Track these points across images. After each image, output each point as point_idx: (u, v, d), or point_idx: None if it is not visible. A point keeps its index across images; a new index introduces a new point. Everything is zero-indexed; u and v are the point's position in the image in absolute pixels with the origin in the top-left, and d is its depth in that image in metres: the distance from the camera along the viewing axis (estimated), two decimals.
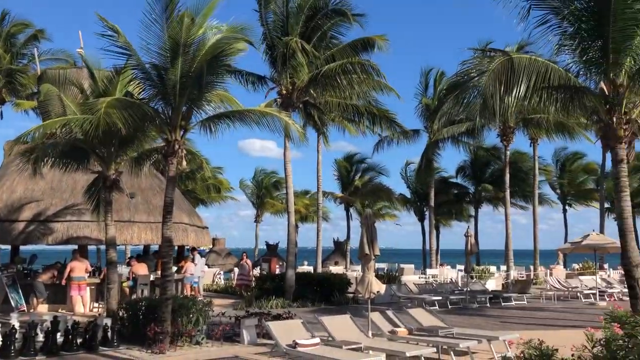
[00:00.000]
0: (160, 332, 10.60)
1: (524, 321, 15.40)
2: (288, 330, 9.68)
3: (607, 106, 12.00)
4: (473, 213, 41.44)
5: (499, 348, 9.90)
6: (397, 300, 19.24)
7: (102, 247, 18.07)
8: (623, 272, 14.07)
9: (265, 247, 43.03)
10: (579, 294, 21.45)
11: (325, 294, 19.43)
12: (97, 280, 17.36)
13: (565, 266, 34.47)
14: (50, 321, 10.65)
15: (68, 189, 18.30)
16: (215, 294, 23.14)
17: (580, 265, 32.06)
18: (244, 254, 23.62)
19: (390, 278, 25.47)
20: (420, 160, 33.95)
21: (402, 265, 33.16)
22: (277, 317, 12.45)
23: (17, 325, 10.46)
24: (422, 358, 8.99)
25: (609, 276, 26.05)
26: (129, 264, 19.26)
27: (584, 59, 12.26)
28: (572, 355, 6.25)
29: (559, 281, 23.52)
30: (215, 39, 11.05)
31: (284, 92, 20.25)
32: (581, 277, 24.50)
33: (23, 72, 28.78)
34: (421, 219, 41.80)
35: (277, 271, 26.19)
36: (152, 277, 17.70)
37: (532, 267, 32.32)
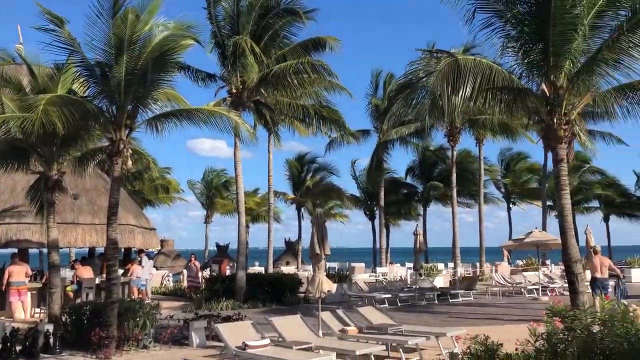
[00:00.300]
0: (106, 337, 10.30)
1: (470, 317, 15.77)
2: (238, 332, 9.57)
3: (548, 107, 12.40)
4: (422, 212, 42.25)
5: (447, 344, 10.10)
6: (348, 299, 19.38)
7: (45, 250, 17.41)
8: (564, 268, 14.59)
9: (215, 248, 42.65)
10: (522, 290, 22.14)
11: (276, 294, 19.35)
12: (38, 285, 16.69)
13: (510, 263, 35.51)
14: None
15: (7, 190, 17.58)
16: (164, 296, 22.69)
17: (524, 262, 33.08)
18: (192, 255, 23.26)
19: (341, 277, 25.61)
20: (371, 160, 34.34)
21: (353, 264, 33.45)
22: (227, 319, 12.30)
23: None
24: (372, 356, 9.06)
25: (551, 272, 26.97)
26: (73, 267, 18.61)
27: (526, 61, 12.63)
28: (516, 349, 6.40)
29: (503, 277, 24.22)
30: (162, 37, 10.82)
31: (234, 91, 20.04)
32: (525, 273, 25.31)
33: None
34: (371, 218, 42.26)
35: (228, 272, 25.95)
36: (97, 281, 17.18)
37: (478, 264, 33.19)
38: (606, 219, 44.91)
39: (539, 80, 12.69)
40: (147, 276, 19.99)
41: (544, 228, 30.34)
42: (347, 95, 23.49)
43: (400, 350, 9.52)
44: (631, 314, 5.97)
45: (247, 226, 38.29)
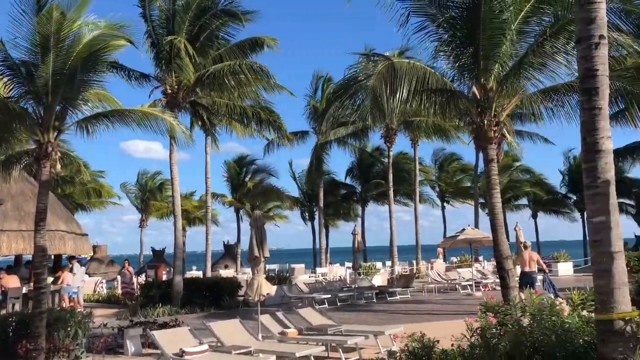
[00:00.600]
0: (34, 349, 9.81)
1: (408, 314, 16.09)
2: (175, 339, 9.35)
3: (479, 109, 12.82)
4: (360, 212, 42.80)
5: (385, 342, 10.25)
6: (288, 300, 19.34)
7: None
8: (495, 264, 15.12)
9: (151, 253, 41.56)
10: (457, 286, 22.80)
11: (215, 298, 19.08)
12: None
13: (445, 260, 36.50)
14: None
15: None
16: (98, 304, 21.92)
17: (458, 259, 34.06)
18: (126, 261, 22.56)
19: (281, 279, 25.54)
20: (310, 161, 34.49)
21: (293, 266, 33.43)
22: (164, 325, 11.99)
23: None
24: (312, 357, 9.08)
25: (483, 268, 27.91)
26: None
27: (457, 64, 13.03)
28: (452, 345, 6.57)
29: (439, 274, 24.85)
30: (92, 36, 10.42)
31: (169, 91, 19.60)
32: (459, 270, 26.08)
33: None
34: (311, 219, 42.41)
35: (164, 277, 25.36)
36: (24, 290, 16.35)
37: (415, 262, 33.92)
38: (534, 216, 47.03)
39: (470, 83, 13.10)
40: (79, 284, 19.22)
41: (476, 225, 31.35)
42: (290, 95, 23.53)
43: (340, 350, 9.59)
44: (558, 307, 6.27)
45: (184, 230, 37.60)
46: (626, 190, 42.93)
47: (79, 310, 12.74)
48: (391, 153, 32.07)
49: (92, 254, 31.18)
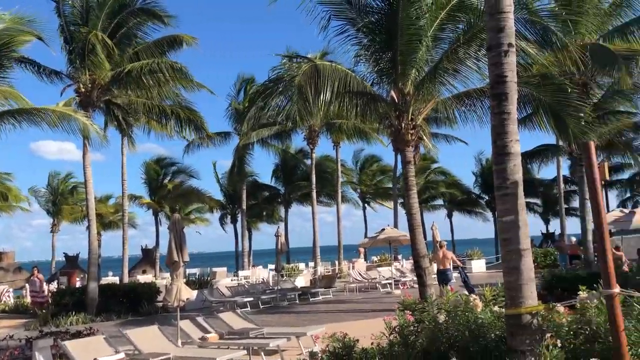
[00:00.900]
0: None
1: (330, 314, 16.23)
2: (88, 348, 8.92)
3: (397, 113, 13.17)
4: (284, 214, 42.76)
5: (307, 343, 10.26)
6: (209, 305, 19.00)
7: None
8: (413, 262, 15.57)
9: (64, 258, 39.52)
10: (377, 284, 23.27)
11: (132, 305, 18.44)
12: None
13: (366, 259, 37.18)
14: None
15: None
16: (4, 314, 20.64)
17: (379, 258, 34.77)
18: (35, 267, 21.33)
19: (202, 283, 25.06)
20: (232, 162, 34.06)
21: (214, 269, 32.88)
22: (77, 335, 11.41)
23: None
24: None
25: (402, 266, 28.66)
26: None
27: (377, 68, 13.32)
28: (372, 343, 6.68)
29: (360, 274, 25.27)
30: None
31: (83, 89, 18.73)
32: (379, 269, 26.62)
33: None
34: (233, 221, 41.90)
35: (78, 284, 24.27)
36: None
37: (337, 262, 34.31)
38: (450, 215, 48.92)
39: (388, 87, 13.42)
40: None
41: (395, 225, 32.14)
42: (211, 94, 23.12)
43: (262, 353, 9.52)
44: (471, 303, 6.52)
45: (99, 234, 36.01)
46: (534, 190, 45.60)
47: None
48: (314, 155, 32.30)
49: None
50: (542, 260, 28.86)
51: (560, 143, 16.87)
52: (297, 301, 20.35)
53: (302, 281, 26.23)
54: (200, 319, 11.23)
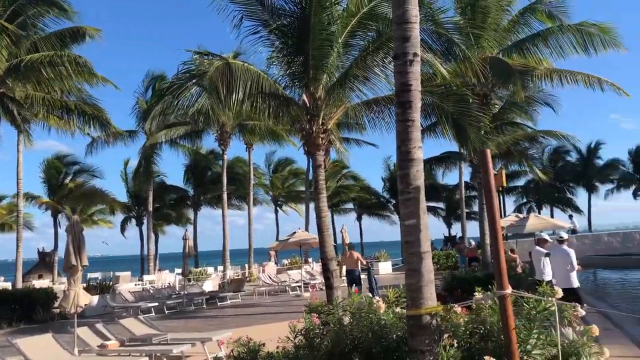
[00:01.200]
0: None
1: (238, 319, 16.05)
2: None
3: (308, 116, 13.24)
4: (193, 216, 41.83)
5: (213, 349, 10.07)
6: (111, 310, 18.24)
7: None
8: (321, 265, 15.73)
9: None
10: (287, 288, 23.32)
11: (26, 312, 17.31)
12: None
13: (277, 262, 37.15)
14: None
15: None
16: None
17: (289, 261, 34.89)
18: None
19: (103, 287, 23.95)
20: (139, 162, 32.87)
21: (117, 273, 31.59)
22: None
23: None
24: None
25: (312, 269, 28.90)
26: None
27: (289, 71, 13.31)
28: (277, 347, 6.65)
29: (270, 277, 25.23)
30: None
31: None
32: (289, 272, 26.71)
33: None
34: (139, 224, 40.45)
35: None
36: None
37: (247, 266, 34.04)
38: (359, 219, 50.04)
39: (300, 90, 13.47)
40: None
41: (307, 228, 32.43)
42: (116, 89, 22.12)
43: (165, 359, 9.23)
44: (375, 305, 6.65)
45: None
46: (438, 195, 47.60)
47: None
48: (225, 156, 31.84)
49: None
50: (444, 262, 30.19)
51: (463, 150, 17.69)
52: (205, 306, 19.97)
53: (210, 285, 25.76)
54: (99, 326, 10.71)
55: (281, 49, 13.04)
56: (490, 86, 18.41)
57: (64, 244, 11.34)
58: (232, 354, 6.71)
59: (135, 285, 25.58)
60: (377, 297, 6.51)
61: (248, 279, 28.87)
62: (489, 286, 5.49)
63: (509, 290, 4.97)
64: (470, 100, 13.02)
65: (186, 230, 26.45)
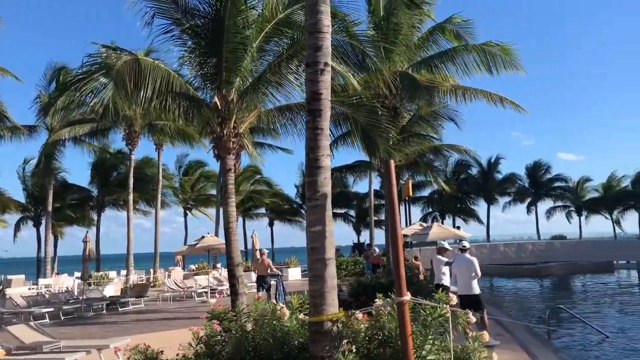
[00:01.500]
0: None
1: (139, 325, 15.47)
2: None
3: (219, 119, 13.05)
4: (96, 217, 39.95)
5: (110, 356, 9.66)
6: (0, 317, 16.99)
7: None
8: (228, 271, 15.53)
9: None
10: (193, 293, 22.80)
11: None
12: None
13: (184, 267, 36.26)
14: None
15: None
16: None
17: (197, 266, 34.19)
18: None
19: None
20: (38, 159, 31.00)
21: (9, 277, 29.48)
22: None
23: None
24: None
25: (220, 274, 28.45)
26: None
27: (201, 72, 13.05)
28: (177, 354, 6.49)
29: (175, 282, 24.56)
30: None
31: None
32: (196, 277, 26.13)
33: None
34: (37, 224, 38.08)
35: None
36: None
37: (152, 270, 32.95)
38: (271, 224, 49.99)
39: (212, 92, 13.25)
40: None
41: (216, 233, 31.90)
42: (17, 80, 20.73)
43: None
44: (279, 312, 6.65)
45: None
46: (349, 202, 48.54)
47: None
48: (133, 157, 30.67)
49: None
50: (352, 268, 30.74)
51: (373, 160, 18.13)
52: (105, 312, 19.12)
53: (112, 290, 24.71)
54: None
55: (193, 50, 12.77)
56: (399, 99, 19.02)
57: None
58: None
59: (29, 289, 24.07)
60: (281, 304, 6.52)
61: (152, 284, 27.96)
62: (389, 293, 5.65)
63: (407, 297, 5.14)
64: (380, 112, 13.37)
65: (87, 232, 25.25)
